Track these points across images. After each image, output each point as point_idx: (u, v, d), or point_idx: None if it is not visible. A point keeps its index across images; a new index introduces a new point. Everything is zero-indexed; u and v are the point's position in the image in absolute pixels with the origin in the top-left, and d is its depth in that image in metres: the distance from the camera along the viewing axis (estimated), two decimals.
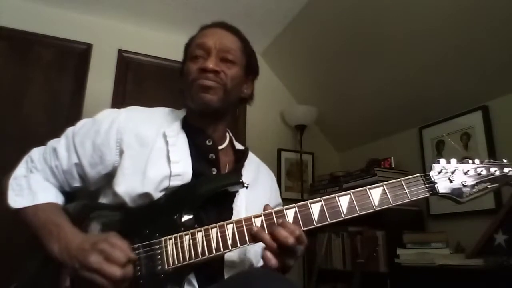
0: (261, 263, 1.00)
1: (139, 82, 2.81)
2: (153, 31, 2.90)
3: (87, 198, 1.04)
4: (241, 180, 0.92)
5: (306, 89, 3.19)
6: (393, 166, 2.57)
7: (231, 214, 0.96)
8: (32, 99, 2.51)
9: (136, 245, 0.83)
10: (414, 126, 2.60)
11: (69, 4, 2.63)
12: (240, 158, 1.09)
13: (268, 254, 0.80)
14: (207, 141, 1.02)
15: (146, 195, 0.90)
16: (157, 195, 0.91)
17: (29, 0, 2.58)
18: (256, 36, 2.94)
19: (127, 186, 0.91)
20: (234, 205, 0.97)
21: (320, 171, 3.17)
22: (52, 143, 1.02)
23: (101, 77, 2.69)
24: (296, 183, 3.07)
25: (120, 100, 2.67)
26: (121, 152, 0.95)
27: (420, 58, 2.26)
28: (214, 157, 1.01)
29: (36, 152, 1.02)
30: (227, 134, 1.12)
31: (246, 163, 1.08)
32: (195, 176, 0.94)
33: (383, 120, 2.76)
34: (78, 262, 0.78)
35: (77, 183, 1.00)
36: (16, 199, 0.94)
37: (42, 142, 1.06)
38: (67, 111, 2.54)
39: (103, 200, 0.98)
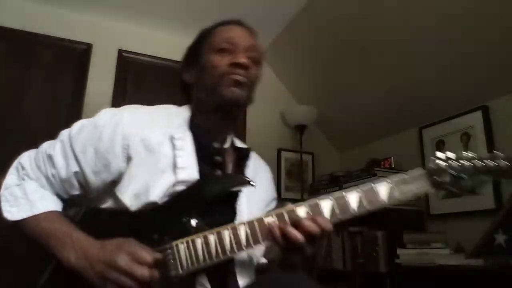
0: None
1: (139, 82, 2.81)
2: (153, 31, 2.90)
3: (85, 204, 0.98)
4: (248, 180, 0.90)
5: (306, 89, 3.19)
6: (393, 166, 2.57)
7: (235, 213, 0.95)
8: (32, 99, 2.51)
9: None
10: (414, 126, 2.60)
11: (69, 4, 2.63)
12: (242, 157, 1.06)
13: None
14: (214, 144, 0.99)
15: (152, 203, 0.87)
16: (162, 201, 0.88)
17: (29, 0, 2.58)
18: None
19: (133, 194, 0.88)
20: (237, 204, 0.96)
21: (320, 171, 3.17)
22: (46, 148, 0.95)
23: (101, 77, 2.69)
24: (296, 183, 3.07)
25: (120, 100, 2.67)
26: (128, 159, 0.90)
27: (420, 58, 2.26)
28: (220, 160, 0.98)
29: (26, 159, 0.95)
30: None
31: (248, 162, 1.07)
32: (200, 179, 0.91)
33: (383, 120, 2.76)
34: (105, 264, 0.77)
35: (76, 191, 0.94)
36: (12, 210, 0.88)
37: (42, 142, 1.03)
38: (67, 111, 2.54)
39: (102, 205, 0.94)
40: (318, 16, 2.55)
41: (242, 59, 0.96)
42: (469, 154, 0.87)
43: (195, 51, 1.04)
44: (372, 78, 2.60)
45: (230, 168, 1.02)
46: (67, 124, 1.02)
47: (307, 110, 3.02)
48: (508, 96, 2.07)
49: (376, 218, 2.33)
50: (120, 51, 2.79)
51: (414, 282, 1.99)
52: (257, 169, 1.09)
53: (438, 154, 0.87)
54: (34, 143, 1.03)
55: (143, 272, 0.75)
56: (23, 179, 0.92)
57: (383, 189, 0.83)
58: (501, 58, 1.96)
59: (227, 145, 1.04)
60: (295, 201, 3.18)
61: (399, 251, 2.12)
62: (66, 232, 0.84)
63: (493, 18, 1.86)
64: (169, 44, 2.92)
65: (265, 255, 1.02)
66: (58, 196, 0.95)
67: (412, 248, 2.11)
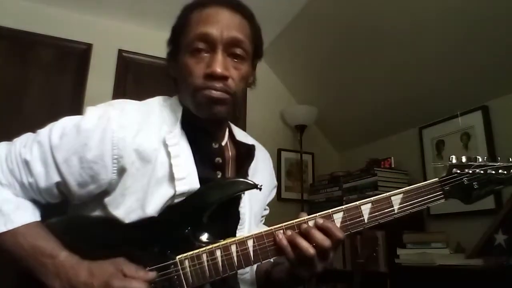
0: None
1: (139, 82, 2.81)
2: (153, 31, 2.90)
3: (69, 210, 0.88)
4: (254, 184, 0.82)
5: (306, 89, 3.19)
6: (393, 166, 2.57)
7: (238, 216, 0.90)
8: (32, 99, 2.51)
9: (148, 268, 0.75)
10: (414, 126, 2.60)
11: (69, 4, 2.63)
12: (243, 153, 0.96)
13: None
14: (213, 144, 0.89)
15: (148, 218, 0.79)
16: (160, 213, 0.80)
17: (29, 0, 2.58)
18: None
19: (127, 209, 0.79)
20: (240, 207, 0.90)
21: (320, 171, 3.17)
22: (20, 150, 0.80)
23: (101, 77, 2.69)
24: (296, 183, 3.07)
25: None
26: (120, 171, 0.79)
27: (420, 58, 2.26)
28: (220, 161, 0.89)
29: None
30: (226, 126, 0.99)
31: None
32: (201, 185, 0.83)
33: (383, 120, 2.76)
34: None
35: (56, 200, 0.83)
36: None
37: None
38: (67, 111, 2.52)
39: (89, 212, 0.84)
40: (318, 16, 2.55)
41: (216, 67, 0.80)
42: (486, 162, 0.82)
43: (175, 42, 0.95)
44: (372, 78, 2.60)
45: (231, 167, 0.93)
46: None
47: (307, 110, 3.02)
48: (508, 96, 2.07)
49: None
50: (120, 51, 2.79)
51: (414, 282, 1.98)
52: (257, 159, 0.98)
53: (453, 159, 0.83)
54: None
55: (140, 286, 0.70)
56: None
57: (396, 198, 0.86)
58: (501, 58, 1.96)
59: (224, 141, 0.94)
60: (295, 201, 3.16)
61: (399, 251, 2.12)
62: (48, 252, 0.74)
63: (494, 18, 1.86)
64: None
65: None
66: (35, 201, 0.82)
67: (412, 248, 2.11)
